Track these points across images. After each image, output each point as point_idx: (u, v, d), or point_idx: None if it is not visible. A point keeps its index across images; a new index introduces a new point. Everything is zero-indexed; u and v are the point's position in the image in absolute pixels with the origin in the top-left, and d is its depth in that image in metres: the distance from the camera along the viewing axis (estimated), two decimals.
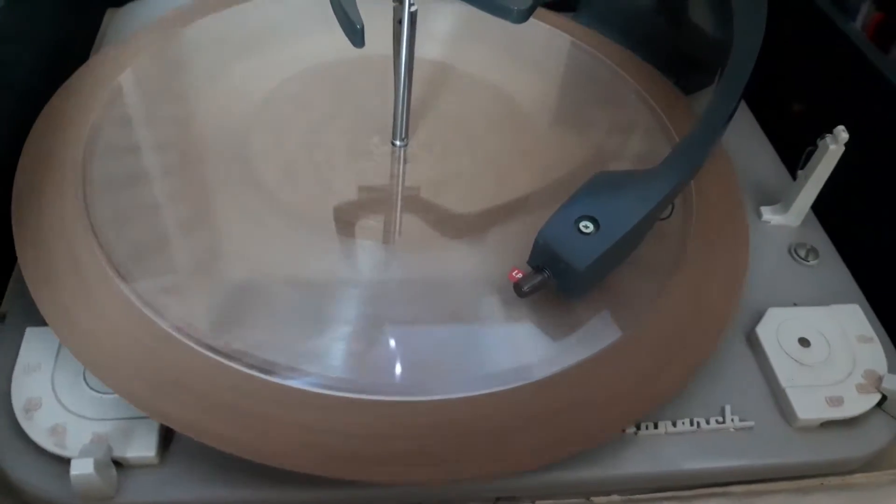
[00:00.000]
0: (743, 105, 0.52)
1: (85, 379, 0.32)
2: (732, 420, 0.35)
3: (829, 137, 0.40)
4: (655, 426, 0.34)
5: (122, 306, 0.33)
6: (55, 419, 0.31)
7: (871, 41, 0.45)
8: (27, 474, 0.30)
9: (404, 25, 0.36)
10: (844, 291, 0.41)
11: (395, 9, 0.36)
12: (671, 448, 0.34)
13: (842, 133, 0.39)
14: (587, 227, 0.34)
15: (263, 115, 0.44)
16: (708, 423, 0.35)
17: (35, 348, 0.33)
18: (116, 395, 0.31)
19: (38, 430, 0.30)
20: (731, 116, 0.38)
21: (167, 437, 0.31)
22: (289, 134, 0.43)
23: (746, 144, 0.50)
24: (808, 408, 0.35)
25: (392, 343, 0.34)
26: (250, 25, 0.50)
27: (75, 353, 0.31)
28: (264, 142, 0.42)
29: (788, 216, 0.44)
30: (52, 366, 0.32)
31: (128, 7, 0.55)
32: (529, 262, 0.35)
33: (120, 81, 0.44)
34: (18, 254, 0.35)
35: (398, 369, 0.33)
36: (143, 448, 0.30)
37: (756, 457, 0.34)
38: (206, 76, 0.46)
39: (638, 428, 0.34)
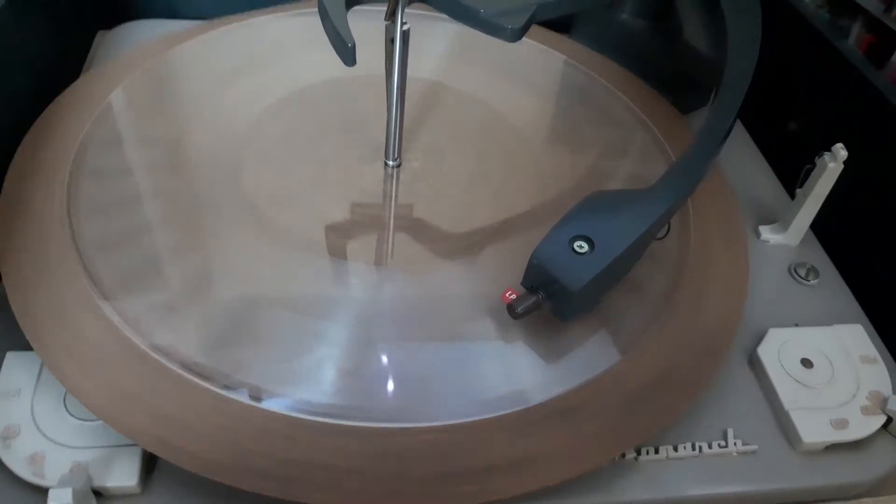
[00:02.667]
0: (739, 124, 0.52)
1: (66, 405, 0.31)
2: (735, 444, 0.34)
3: (827, 155, 0.39)
4: (656, 451, 0.33)
5: (107, 330, 0.32)
6: (34, 447, 0.30)
7: None
8: None
9: (396, 44, 0.36)
10: (846, 311, 0.41)
11: (387, 27, 0.36)
12: (673, 473, 0.33)
13: (840, 151, 0.39)
14: (581, 247, 0.33)
15: (254, 136, 0.43)
16: (710, 447, 0.34)
17: (15, 373, 0.32)
18: (98, 423, 0.30)
19: (15, 458, 0.29)
20: (727, 135, 0.38)
21: (149, 465, 0.30)
22: (280, 155, 0.43)
23: (743, 163, 0.49)
24: (813, 431, 0.34)
25: (383, 368, 0.34)
26: (241, 47, 0.50)
27: (57, 375, 0.30)
28: (255, 163, 0.42)
29: (787, 235, 0.43)
30: (32, 391, 0.31)
31: (118, 29, 0.55)
32: (523, 283, 0.34)
33: (109, 100, 0.43)
34: (2, 273, 0.34)
35: (388, 395, 0.32)
36: (124, 477, 0.29)
37: (760, 482, 0.33)
38: (196, 97, 0.46)
39: (638, 453, 0.33)
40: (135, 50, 0.48)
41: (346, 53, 0.33)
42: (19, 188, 0.38)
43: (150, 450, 0.29)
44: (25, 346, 0.32)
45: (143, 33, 0.53)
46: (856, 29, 1.08)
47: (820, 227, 0.43)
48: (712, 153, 0.38)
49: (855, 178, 0.40)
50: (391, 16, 0.35)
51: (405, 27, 0.35)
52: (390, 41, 0.36)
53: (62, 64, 0.50)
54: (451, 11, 0.36)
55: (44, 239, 0.36)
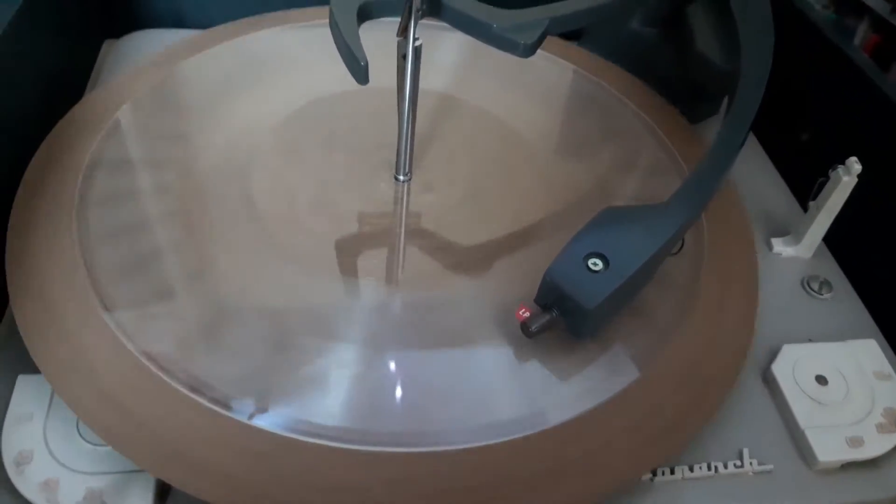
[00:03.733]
0: (750, 135, 0.52)
1: (79, 430, 0.31)
2: (751, 464, 0.34)
3: (841, 169, 0.39)
4: (672, 471, 0.33)
5: (119, 354, 0.32)
6: (47, 473, 0.29)
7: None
8: None
9: (408, 60, 0.36)
10: (859, 325, 0.41)
11: (399, 44, 0.35)
12: (689, 494, 0.33)
13: (854, 165, 0.39)
14: (596, 264, 0.33)
15: (264, 151, 0.43)
16: (726, 467, 0.33)
17: (27, 397, 0.32)
18: (110, 448, 0.29)
19: (29, 484, 0.29)
20: (740, 147, 0.38)
21: (163, 492, 0.30)
22: (290, 169, 0.42)
23: (755, 175, 0.49)
24: (829, 450, 0.34)
25: (395, 390, 0.33)
26: (250, 59, 0.49)
27: (69, 402, 0.30)
28: (265, 178, 0.41)
29: (800, 248, 0.43)
30: (44, 416, 0.31)
31: (125, 38, 0.55)
32: (537, 301, 0.34)
33: (118, 116, 0.43)
34: (11, 297, 0.34)
35: (399, 419, 0.32)
36: (138, 503, 0.29)
37: (776, 502, 0.33)
38: (205, 110, 0.45)
39: (654, 474, 0.33)
40: (142, 63, 0.48)
41: (359, 72, 0.32)
42: (29, 208, 0.38)
43: (161, 478, 0.29)
44: (37, 370, 0.31)
45: (151, 42, 0.53)
46: (862, 29, 1.07)
47: (832, 239, 0.43)
48: (726, 166, 0.37)
49: (867, 190, 0.40)
50: (403, 31, 0.35)
51: (417, 43, 0.35)
52: (402, 57, 0.36)
53: (70, 73, 0.50)
54: (464, 27, 0.36)
55: (53, 261, 0.35)
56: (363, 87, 0.33)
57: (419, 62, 0.36)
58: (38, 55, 0.44)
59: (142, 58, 0.49)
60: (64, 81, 0.48)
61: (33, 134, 0.41)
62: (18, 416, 0.31)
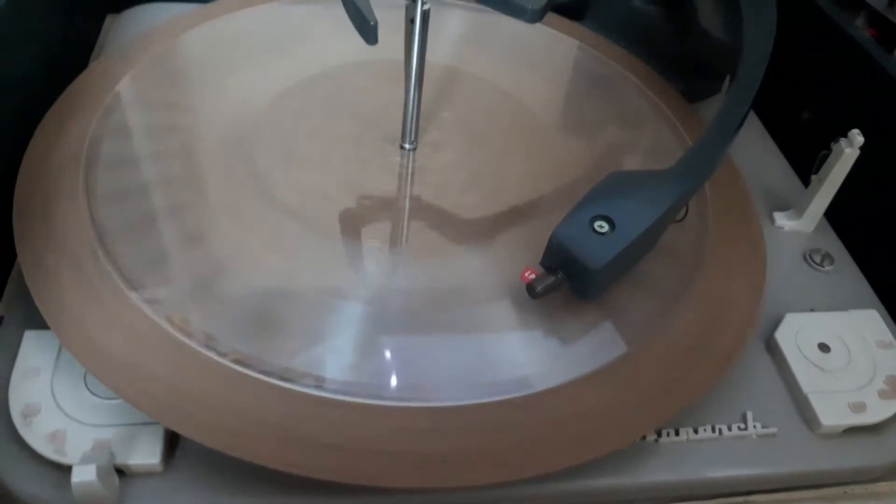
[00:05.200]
0: (751, 114, 0.52)
1: (86, 383, 0.31)
2: (755, 427, 0.34)
3: (843, 141, 0.39)
4: (677, 433, 0.33)
5: (126, 308, 0.32)
6: (55, 425, 0.29)
7: None
8: (25, 482, 0.29)
9: (416, 24, 0.36)
10: (861, 297, 0.41)
11: (407, 7, 0.36)
12: (693, 455, 0.33)
13: (857, 136, 0.39)
14: (602, 226, 0.33)
15: (268, 121, 0.43)
16: (730, 429, 0.34)
17: (34, 352, 0.31)
18: (119, 400, 0.29)
19: (36, 436, 0.29)
20: (744, 118, 0.38)
21: (172, 444, 0.30)
22: (294, 139, 0.42)
23: (756, 150, 0.49)
24: (832, 414, 0.34)
25: (403, 349, 0.33)
26: (253, 31, 0.49)
27: (77, 356, 0.30)
28: (270, 147, 0.41)
29: (802, 222, 0.43)
30: (51, 370, 0.31)
31: (128, 13, 0.54)
32: (542, 263, 0.34)
33: (120, 88, 0.43)
34: (19, 254, 0.34)
35: (408, 375, 0.32)
36: (146, 455, 0.29)
37: (779, 464, 0.33)
38: (208, 82, 0.45)
39: (659, 435, 0.33)
40: (145, 35, 0.48)
41: (368, 31, 0.32)
42: (37, 171, 0.37)
43: (170, 427, 0.29)
44: (44, 325, 0.31)
45: (153, 17, 0.53)
46: (859, 22, 1.08)
47: (832, 213, 0.43)
48: (730, 136, 0.38)
49: (867, 164, 0.40)
50: None
51: (426, 7, 0.35)
52: (410, 21, 0.36)
53: (72, 48, 0.50)
54: None
55: (60, 220, 0.35)
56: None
57: (427, 27, 0.36)
58: (40, 30, 0.44)
59: (147, 29, 0.49)
60: (66, 56, 0.48)
61: (37, 108, 0.41)
62: (25, 371, 0.31)
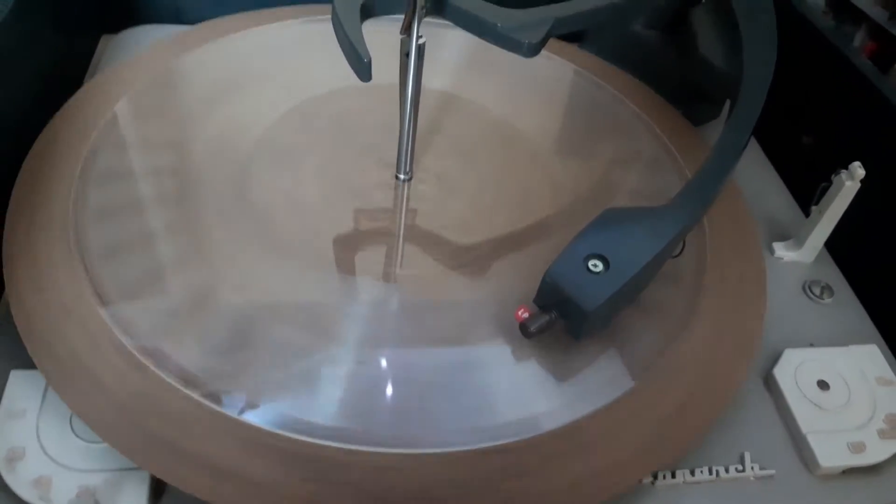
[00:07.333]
0: (752, 140, 0.51)
1: (72, 426, 0.30)
2: (752, 468, 0.33)
3: (844, 173, 0.39)
4: (673, 475, 0.33)
5: (114, 349, 0.31)
6: (40, 470, 0.29)
7: None
8: None
9: (412, 58, 0.35)
10: (860, 330, 0.40)
11: (402, 41, 0.35)
12: (690, 499, 0.32)
13: (858, 169, 0.38)
14: (596, 265, 0.33)
15: (263, 147, 0.42)
16: (727, 471, 0.33)
17: (20, 393, 0.31)
18: (105, 445, 0.29)
19: (21, 481, 0.28)
20: (742, 150, 0.37)
21: (158, 490, 0.29)
22: (289, 166, 0.42)
23: (756, 179, 0.49)
24: (831, 455, 0.33)
25: (391, 392, 0.33)
26: (250, 53, 0.49)
27: (65, 398, 0.29)
28: (263, 174, 0.41)
29: (802, 252, 0.43)
30: (37, 412, 0.30)
31: (123, 34, 0.54)
32: (536, 301, 0.34)
33: (115, 110, 0.43)
34: (7, 290, 0.33)
35: (395, 420, 0.32)
36: (132, 502, 0.28)
37: None
38: (204, 106, 0.45)
39: (655, 477, 0.32)
40: (141, 55, 0.48)
41: (362, 69, 0.32)
42: (26, 202, 0.37)
43: (156, 475, 0.28)
44: (30, 365, 0.31)
45: (148, 38, 0.53)
46: (859, 36, 1.08)
47: (834, 244, 0.43)
48: (728, 169, 0.37)
49: (869, 194, 0.39)
50: (407, 29, 0.35)
51: (421, 41, 0.35)
52: (405, 55, 0.35)
53: (66, 68, 0.50)
54: (468, 25, 0.35)
55: (49, 255, 0.35)
56: (366, 84, 0.33)
57: (422, 60, 0.36)
58: (34, 50, 0.44)
59: (140, 50, 0.48)
60: (61, 77, 0.48)
61: (30, 129, 0.41)
62: (11, 412, 0.30)
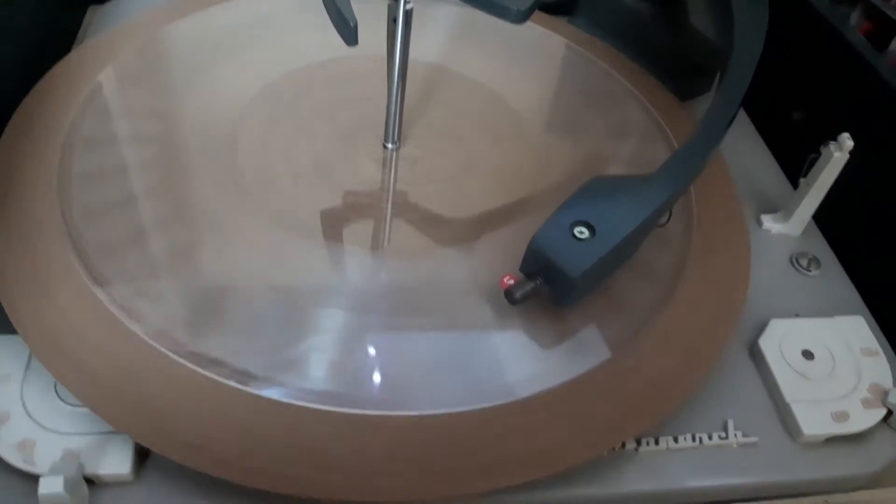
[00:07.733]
0: (741, 112, 0.51)
1: (56, 391, 0.30)
2: (735, 435, 0.33)
3: (833, 145, 0.39)
4: (656, 442, 0.33)
5: (98, 315, 0.31)
6: (24, 433, 0.29)
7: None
8: None
9: (399, 24, 0.35)
10: (847, 302, 0.40)
11: (389, 7, 0.35)
12: (673, 465, 0.32)
13: (847, 140, 0.38)
14: (582, 232, 0.33)
15: (249, 117, 0.42)
16: (710, 438, 0.33)
17: (3, 358, 0.31)
18: (89, 409, 0.29)
19: (5, 445, 0.28)
20: (731, 122, 0.37)
21: (142, 453, 0.29)
22: (275, 135, 0.42)
23: (745, 152, 0.49)
24: (814, 423, 0.34)
25: (377, 355, 0.33)
26: (237, 23, 0.48)
27: (46, 364, 0.29)
28: (250, 144, 0.41)
29: (790, 225, 0.43)
30: (21, 377, 0.30)
31: (110, 4, 0.53)
32: (522, 269, 0.34)
33: (100, 78, 0.42)
34: None
35: (382, 383, 0.32)
36: (117, 465, 0.28)
37: (760, 474, 0.33)
38: (190, 75, 0.44)
39: (638, 443, 0.33)
40: (127, 25, 0.47)
41: (348, 33, 0.32)
42: (8, 168, 0.37)
43: (139, 441, 0.28)
44: (13, 330, 0.31)
45: (135, 8, 0.52)
46: (855, 15, 1.07)
47: (821, 217, 0.43)
48: (716, 140, 0.37)
49: (857, 168, 0.39)
50: None
51: (409, 6, 0.35)
52: (393, 20, 0.35)
53: (53, 39, 0.49)
54: None
55: (32, 221, 0.35)
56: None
57: (410, 26, 0.35)
58: (20, 21, 0.43)
59: (126, 20, 0.48)
60: (47, 48, 0.47)
61: (14, 101, 0.40)
62: None
